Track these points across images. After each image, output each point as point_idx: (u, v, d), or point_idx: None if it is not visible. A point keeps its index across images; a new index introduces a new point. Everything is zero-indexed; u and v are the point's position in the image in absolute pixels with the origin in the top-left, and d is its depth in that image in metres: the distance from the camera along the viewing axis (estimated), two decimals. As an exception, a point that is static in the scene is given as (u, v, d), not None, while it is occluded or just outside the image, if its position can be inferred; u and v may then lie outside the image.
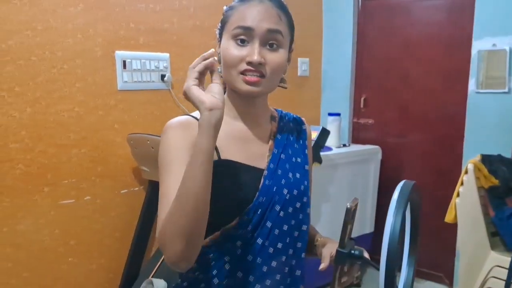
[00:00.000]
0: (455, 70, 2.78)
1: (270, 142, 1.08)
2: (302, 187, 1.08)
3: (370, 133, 3.22)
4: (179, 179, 0.89)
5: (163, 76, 2.30)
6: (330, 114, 2.98)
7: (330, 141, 2.88)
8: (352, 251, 0.90)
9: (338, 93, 3.28)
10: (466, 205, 2.35)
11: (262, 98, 1.06)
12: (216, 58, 0.94)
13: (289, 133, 1.13)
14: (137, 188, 2.29)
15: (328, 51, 3.30)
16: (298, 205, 1.06)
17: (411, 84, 2.99)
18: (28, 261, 1.95)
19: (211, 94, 0.87)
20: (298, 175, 1.08)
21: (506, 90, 2.52)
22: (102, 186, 2.16)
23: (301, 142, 1.15)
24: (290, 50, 1.06)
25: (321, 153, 2.40)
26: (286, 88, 1.08)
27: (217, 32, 1.05)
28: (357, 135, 3.28)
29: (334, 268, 0.90)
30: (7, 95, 1.84)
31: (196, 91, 0.87)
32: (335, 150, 2.81)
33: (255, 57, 0.94)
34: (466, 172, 2.34)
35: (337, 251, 0.90)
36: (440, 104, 2.87)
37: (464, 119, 2.72)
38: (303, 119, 1.21)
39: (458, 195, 2.37)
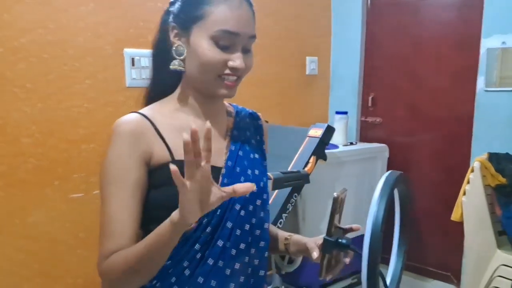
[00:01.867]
0: (464, 68, 2.77)
1: (227, 138, 1.05)
2: (262, 183, 1.06)
3: (378, 131, 3.22)
4: (126, 199, 0.92)
5: (171, 74, 2.34)
6: (337, 113, 2.99)
7: (337, 139, 2.89)
8: (340, 240, 0.92)
9: (347, 91, 3.29)
10: (472, 204, 2.34)
11: None
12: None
13: (246, 129, 1.11)
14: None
15: (337, 50, 3.31)
16: (258, 202, 1.04)
17: (419, 82, 2.99)
18: (39, 253, 2.01)
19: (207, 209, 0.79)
20: (257, 172, 1.06)
21: (515, 88, 2.51)
22: (111, 181, 2.20)
23: (258, 138, 1.14)
24: None
25: (328, 151, 2.42)
26: None
27: (178, 20, 0.98)
28: (365, 134, 3.29)
29: (321, 256, 0.91)
30: (20, 91, 1.90)
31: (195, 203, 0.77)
32: (341, 148, 2.82)
33: (242, 64, 0.94)
34: (472, 171, 2.33)
35: (324, 239, 0.92)
36: (449, 102, 2.86)
37: (472, 118, 2.70)
38: (259, 114, 1.19)
39: (464, 193, 2.37)
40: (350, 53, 3.24)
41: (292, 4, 2.94)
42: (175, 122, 1.00)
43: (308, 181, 2.15)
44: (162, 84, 1.07)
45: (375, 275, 0.75)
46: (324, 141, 2.28)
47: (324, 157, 2.31)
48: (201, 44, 0.94)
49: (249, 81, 1.07)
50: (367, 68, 3.23)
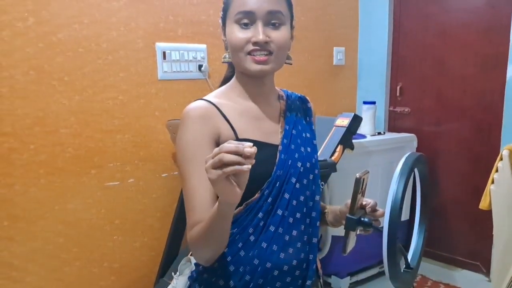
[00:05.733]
0: (492, 56, 2.73)
1: (281, 119, 1.15)
2: (313, 160, 1.17)
3: (407, 121, 3.21)
4: (203, 175, 0.96)
5: (200, 66, 2.42)
6: (365, 103, 3.00)
7: (365, 129, 2.91)
8: (362, 218, 0.96)
9: (374, 81, 3.29)
10: (501, 192, 2.32)
11: (270, 77, 1.14)
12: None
13: (297, 111, 1.21)
14: (176, 172, 2.41)
15: (364, 40, 3.31)
16: (311, 177, 1.14)
17: (447, 71, 2.97)
18: (77, 238, 2.12)
19: (239, 188, 0.84)
20: (309, 149, 1.17)
21: (547, 75, 2.47)
22: (144, 170, 2.30)
23: (307, 119, 1.24)
24: (292, 27, 1.13)
25: (355, 141, 2.44)
26: (291, 64, 1.16)
27: (220, 21, 1.12)
28: (393, 124, 3.28)
29: (345, 233, 0.96)
30: (58, 84, 2.00)
31: (223, 186, 0.83)
32: (369, 138, 2.83)
33: (260, 37, 1.02)
34: (501, 159, 2.31)
35: (347, 217, 0.96)
36: (477, 91, 2.83)
37: (502, 106, 2.68)
38: (307, 97, 1.29)
39: (493, 181, 2.35)
40: (377, 42, 3.24)
41: (318, -5, 2.96)
42: (237, 106, 1.12)
43: (335, 170, 2.19)
44: (228, 74, 1.23)
45: (394, 248, 0.79)
46: (351, 130, 2.30)
47: (351, 146, 2.33)
48: (229, 30, 1.06)
49: (277, 71, 1.15)
50: (395, 57, 3.23)
